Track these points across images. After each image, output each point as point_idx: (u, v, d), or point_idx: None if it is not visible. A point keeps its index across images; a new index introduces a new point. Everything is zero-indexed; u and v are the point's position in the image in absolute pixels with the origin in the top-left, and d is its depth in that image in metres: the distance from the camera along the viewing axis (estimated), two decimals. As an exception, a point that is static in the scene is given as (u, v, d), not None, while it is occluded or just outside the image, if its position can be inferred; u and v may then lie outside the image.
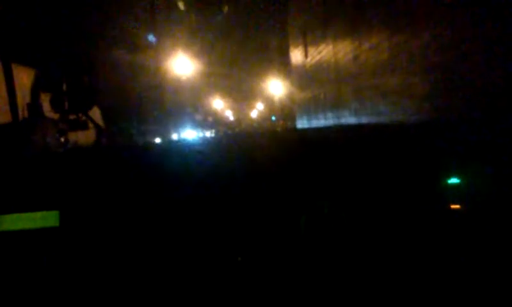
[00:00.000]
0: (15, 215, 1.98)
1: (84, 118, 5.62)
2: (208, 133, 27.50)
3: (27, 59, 5.91)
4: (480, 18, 2.89)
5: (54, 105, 5.52)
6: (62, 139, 6.16)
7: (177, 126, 22.00)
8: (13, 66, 5.24)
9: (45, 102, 5.96)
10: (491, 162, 2.02)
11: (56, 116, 5.69)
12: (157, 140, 16.08)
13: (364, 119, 6.15)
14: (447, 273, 1.97)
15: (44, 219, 1.99)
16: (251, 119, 37.82)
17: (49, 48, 5.65)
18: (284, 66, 17.79)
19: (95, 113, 7.20)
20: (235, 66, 25.79)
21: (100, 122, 7.75)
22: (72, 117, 5.60)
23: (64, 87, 5.49)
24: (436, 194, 2.10)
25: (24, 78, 5.47)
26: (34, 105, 5.28)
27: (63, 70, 5.43)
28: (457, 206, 2.11)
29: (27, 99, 5.54)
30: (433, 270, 1.97)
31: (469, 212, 2.07)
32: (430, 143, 2.23)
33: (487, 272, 1.96)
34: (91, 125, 6.15)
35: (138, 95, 16.02)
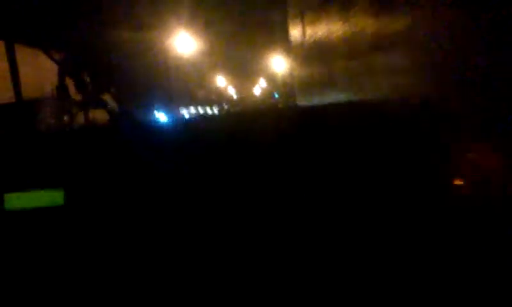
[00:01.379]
0: (20, 194, 1.97)
1: (103, 97, 6.31)
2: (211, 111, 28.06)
3: (54, 47, 6.57)
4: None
5: (78, 86, 6.20)
6: (66, 119, 6.65)
7: (181, 103, 22.53)
8: (42, 53, 5.90)
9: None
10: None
11: (79, 97, 6.38)
12: (163, 118, 16.64)
13: (353, 97, 6.81)
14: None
15: (49, 197, 1.98)
16: (254, 96, 38.15)
17: (72, 37, 6.30)
18: (286, 43, 18.16)
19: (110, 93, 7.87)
20: (237, 43, 26.09)
21: (114, 101, 8.43)
22: (94, 97, 6.30)
23: (87, 71, 6.17)
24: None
25: (52, 64, 6.12)
26: (61, 87, 5.94)
27: (85, 56, 6.07)
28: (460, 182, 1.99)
29: (55, 82, 6.23)
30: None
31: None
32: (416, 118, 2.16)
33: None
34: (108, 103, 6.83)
35: (144, 74, 16.55)
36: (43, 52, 6.04)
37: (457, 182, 1.97)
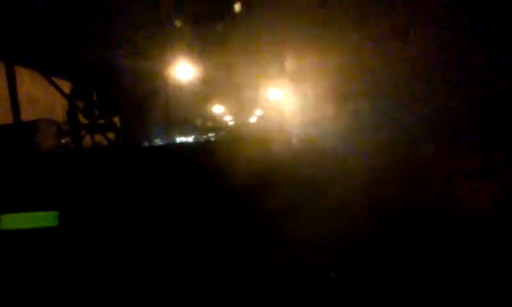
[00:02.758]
0: (15, 215, 2.05)
1: (109, 122, 6.82)
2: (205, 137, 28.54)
3: (67, 74, 7.11)
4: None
5: (85, 112, 6.71)
6: (63, 141, 7.02)
7: (179, 129, 23.11)
8: (56, 79, 6.41)
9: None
10: None
11: (86, 121, 6.87)
12: (159, 142, 17.14)
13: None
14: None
15: (44, 218, 2.05)
16: (249, 124, 38.76)
17: (82, 64, 6.85)
18: (280, 77, 18.88)
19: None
20: (234, 74, 26.93)
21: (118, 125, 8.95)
22: (100, 121, 6.79)
23: (95, 96, 6.69)
24: None
25: (63, 89, 6.65)
26: (72, 112, 6.44)
27: (93, 82, 6.60)
28: None
29: (66, 106, 6.74)
30: None
31: None
32: None
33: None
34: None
35: (144, 100, 17.17)
36: (44, 77, 6.51)
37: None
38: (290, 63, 13.66)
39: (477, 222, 2.19)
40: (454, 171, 2.16)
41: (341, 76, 7.02)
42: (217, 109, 35.52)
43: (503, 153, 2.17)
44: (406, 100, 4.80)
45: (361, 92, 6.19)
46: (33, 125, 6.96)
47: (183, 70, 22.09)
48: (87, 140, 7.19)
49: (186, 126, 25.99)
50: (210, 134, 30.85)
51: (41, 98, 7.95)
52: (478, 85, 3.49)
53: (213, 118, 34.82)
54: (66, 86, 7.14)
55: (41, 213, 2.12)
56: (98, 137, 7.53)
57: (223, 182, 2.29)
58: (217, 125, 35.87)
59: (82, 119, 6.92)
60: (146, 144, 15.60)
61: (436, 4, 3.92)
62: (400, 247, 2.29)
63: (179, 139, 22.96)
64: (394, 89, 5.15)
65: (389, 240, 2.26)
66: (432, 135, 2.82)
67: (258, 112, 37.83)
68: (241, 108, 36.30)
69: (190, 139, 26.28)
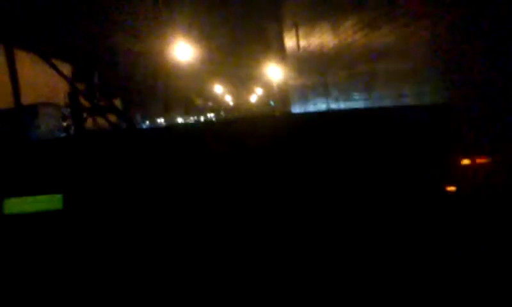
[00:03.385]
0: (18, 199, 1.99)
1: (111, 104, 6.78)
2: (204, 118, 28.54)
3: (67, 57, 7.07)
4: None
5: (87, 94, 6.67)
6: (65, 124, 6.93)
7: (179, 110, 23.08)
8: (57, 62, 6.34)
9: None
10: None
11: (87, 104, 6.83)
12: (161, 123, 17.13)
13: (344, 106, 7.38)
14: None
15: (48, 202, 2.01)
16: (250, 104, 38.71)
17: (83, 47, 6.80)
18: (281, 53, 18.76)
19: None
20: (234, 53, 26.73)
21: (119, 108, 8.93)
22: (102, 103, 6.76)
23: (96, 79, 6.65)
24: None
25: (64, 72, 6.60)
26: (72, 94, 6.40)
27: (94, 65, 6.56)
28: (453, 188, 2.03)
29: (67, 89, 6.70)
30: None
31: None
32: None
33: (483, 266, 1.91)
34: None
35: (145, 81, 17.10)
36: (44, 60, 6.46)
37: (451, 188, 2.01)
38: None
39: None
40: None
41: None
42: (218, 89, 35.40)
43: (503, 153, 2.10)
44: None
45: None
46: (34, 109, 6.91)
47: (182, 51, 21.93)
48: (88, 123, 7.18)
49: (186, 107, 25.96)
50: (209, 115, 30.78)
51: (42, 81, 7.89)
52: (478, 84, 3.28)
53: (213, 98, 34.75)
54: (67, 69, 7.07)
55: (45, 197, 2.04)
56: (100, 120, 7.52)
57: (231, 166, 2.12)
58: (216, 106, 35.82)
59: (83, 101, 6.88)
60: (148, 125, 15.59)
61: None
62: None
63: (180, 120, 22.95)
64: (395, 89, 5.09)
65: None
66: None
67: (259, 91, 37.73)
68: (241, 87, 36.17)
69: (190, 119, 26.27)
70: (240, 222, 2.14)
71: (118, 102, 8.76)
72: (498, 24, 2.98)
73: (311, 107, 10.33)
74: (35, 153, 2.18)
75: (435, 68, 3.97)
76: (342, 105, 7.49)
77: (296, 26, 11.93)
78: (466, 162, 2.07)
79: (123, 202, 2.12)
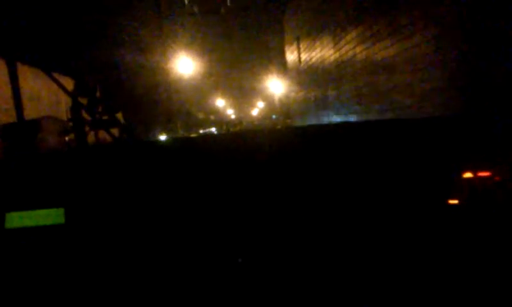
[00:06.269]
0: (20, 213, 2.00)
1: (113, 118, 6.80)
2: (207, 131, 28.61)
3: (69, 71, 7.09)
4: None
5: (89, 108, 6.70)
6: (67, 138, 6.97)
7: (181, 124, 23.14)
8: (59, 76, 6.39)
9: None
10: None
11: (89, 118, 6.85)
12: (163, 137, 17.16)
13: (345, 118, 7.38)
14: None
15: (49, 216, 2.01)
16: (252, 117, 38.83)
17: (86, 62, 6.84)
18: (283, 66, 18.91)
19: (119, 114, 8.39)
20: (236, 66, 26.93)
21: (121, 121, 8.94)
22: (104, 118, 6.79)
23: (98, 93, 6.69)
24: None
25: (66, 86, 6.64)
26: (75, 108, 6.43)
27: (96, 79, 6.59)
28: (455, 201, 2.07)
29: (69, 103, 6.73)
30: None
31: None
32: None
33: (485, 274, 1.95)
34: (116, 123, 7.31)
35: (146, 95, 17.17)
36: (46, 74, 6.50)
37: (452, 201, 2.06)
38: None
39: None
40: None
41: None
42: (220, 102, 35.57)
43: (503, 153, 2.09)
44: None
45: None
46: (37, 123, 6.95)
47: (185, 65, 22.11)
48: (91, 137, 7.17)
49: (188, 120, 26.05)
50: (211, 128, 30.85)
51: (44, 95, 7.93)
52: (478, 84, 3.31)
53: (215, 111, 34.87)
54: (69, 83, 7.11)
55: (47, 211, 2.03)
56: (102, 134, 7.53)
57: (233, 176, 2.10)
58: (218, 119, 35.90)
59: (85, 115, 6.90)
60: (150, 138, 15.62)
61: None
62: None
63: (182, 133, 22.99)
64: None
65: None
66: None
67: (260, 104, 37.91)
68: (243, 101, 36.35)
69: (193, 132, 26.31)
70: (242, 235, 2.13)
71: (120, 116, 8.78)
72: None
73: (313, 120, 10.33)
74: (37, 167, 2.17)
75: (436, 81, 3.97)
76: (343, 118, 7.49)
77: (297, 40, 12.04)
78: (468, 175, 2.07)
79: (127, 216, 2.10)
